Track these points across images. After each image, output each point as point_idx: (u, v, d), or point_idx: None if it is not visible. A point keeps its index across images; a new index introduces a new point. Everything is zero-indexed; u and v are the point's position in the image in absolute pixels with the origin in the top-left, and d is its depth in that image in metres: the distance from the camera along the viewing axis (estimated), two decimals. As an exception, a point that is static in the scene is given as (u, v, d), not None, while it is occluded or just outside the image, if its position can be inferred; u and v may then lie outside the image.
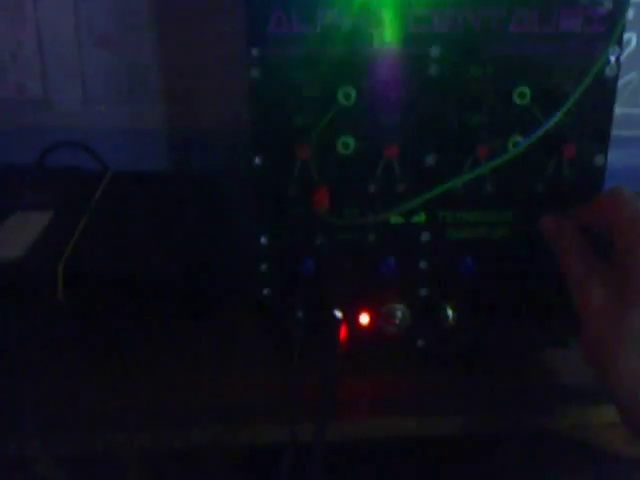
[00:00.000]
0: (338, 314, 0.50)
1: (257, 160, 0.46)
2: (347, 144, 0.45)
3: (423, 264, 0.49)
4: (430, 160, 0.46)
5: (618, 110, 0.65)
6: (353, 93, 0.44)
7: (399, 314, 0.50)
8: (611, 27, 0.44)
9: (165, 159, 0.64)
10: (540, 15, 0.44)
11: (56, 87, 0.64)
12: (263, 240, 0.48)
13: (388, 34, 0.44)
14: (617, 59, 0.45)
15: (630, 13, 0.61)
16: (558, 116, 0.43)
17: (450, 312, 0.50)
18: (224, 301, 0.56)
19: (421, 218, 0.48)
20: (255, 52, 0.44)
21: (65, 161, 0.64)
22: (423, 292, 0.50)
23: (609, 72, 0.45)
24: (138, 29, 0.62)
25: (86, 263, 0.53)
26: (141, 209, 0.60)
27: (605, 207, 0.43)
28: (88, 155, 0.64)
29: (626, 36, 0.62)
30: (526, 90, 0.45)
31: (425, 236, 0.49)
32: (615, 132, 0.67)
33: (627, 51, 0.63)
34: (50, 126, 0.64)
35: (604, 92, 0.46)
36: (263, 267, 0.49)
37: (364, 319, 0.50)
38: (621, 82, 0.63)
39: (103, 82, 0.64)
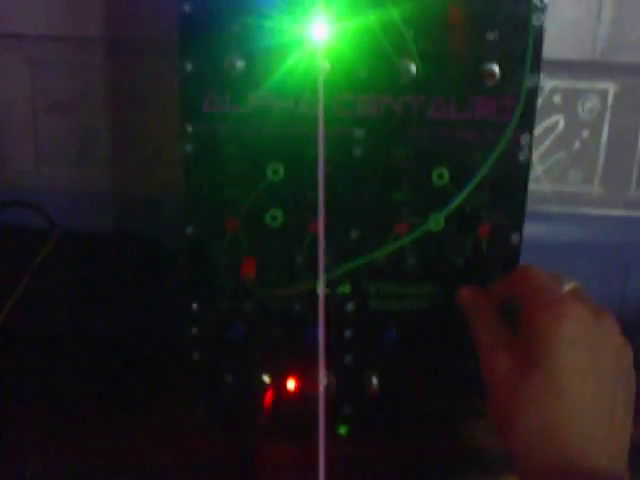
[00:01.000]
0: (266, 379, 0.51)
1: (189, 230, 0.48)
2: (275, 217, 0.48)
3: (348, 333, 0.51)
4: (354, 234, 0.49)
5: (548, 187, 0.69)
6: (281, 169, 0.47)
7: (325, 381, 0.52)
8: (521, 115, 0.47)
9: (112, 221, 0.66)
10: (457, 102, 0.47)
11: (10, 148, 0.66)
12: (194, 306, 0.50)
13: (315, 116, 0.46)
14: (529, 145, 0.48)
15: (558, 97, 0.65)
16: (465, 191, 0.46)
17: (374, 380, 0.51)
18: (157, 362, 0.58)
19: (346, 289, 0.50)
20: (189, 128, 0.47)
21: (16, 220, 0.65)
22: (348, 360, 0.52)
23: (522, 157, 0.48)
24: (91, 96, 0.64)
25: (21, 326, 0.54)
26: (84, 270, 0.62)
27: (515, 281, 0.46)
28: (38, 215, 0.66)
29: (554, 119, 0.66)
30: (444, 171, 0.48)
31: (350, 306, 0.51)
32: (546, 208, 0.70)
33: (555, 132, 0.66)
34: (2, 186, 0.66)
35: (518, 175, 0.48)
36: (194, 331, 0.51)
37: (291, 385, 0.52)
38: (551, 160, 0.67)
39: (55, 145, 0.66)
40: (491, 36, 0.46)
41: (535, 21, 0.46)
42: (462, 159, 0.48)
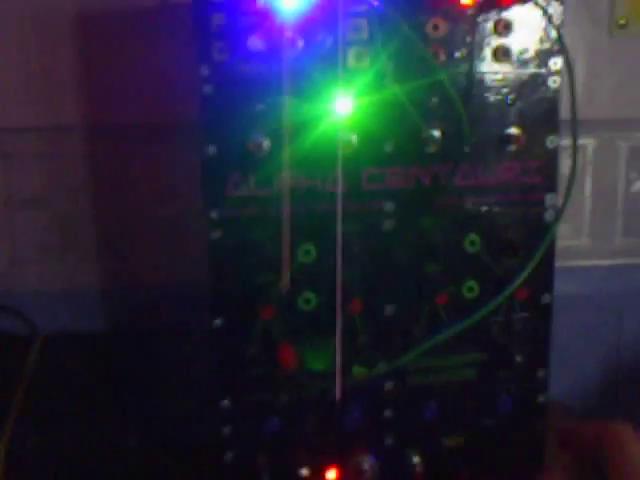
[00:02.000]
0: (303, 472, 0.48)
1: (217, 322, 0.46)
2: (308, 300, 0.45)
3: (388, 413, 0.49)
4: (389, 310, 0.47)
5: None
6: (313, 250, 0.45)
7: (366, 466, 0.49)
8: (546, 177, 0.48)
9: (100, 319, 0.62)
10: (482, 169, 0.47)
11: (-17, 250, 0.61)
12: (225, 403, 0.47)
13: (344, 193, 0.45)
14: (554, 205, 0.48)
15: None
16: (523, 275, 0.45)
17: (417, 459, 0.49)
18: (181, 469, 0.53)
19: (382, 369, 0.48)
20: (214, 214, 0.44)
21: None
22: (389, 441, 0.49)
23: (547, 217, 0.48)
24: (71, 188, 0.61)
25: (23, 446, 0.49)
26: (77, 376, 0.57)
27: (604, 442, 0.42)
28: (18, 319, 0.61)
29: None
30: (475, 238, 0.47)
31: (388, 385, 0.48)
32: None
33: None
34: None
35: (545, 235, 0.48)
36: (226, 430, 0.47)
37: (331, 475, 0.49)
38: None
39: (33, 242, 0.62)
40: (512, 102, 0.46)
41: (551, 84, 0.46)
42: (491, 224, 0.47)
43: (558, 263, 0.70)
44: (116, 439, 0.50)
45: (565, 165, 0.67)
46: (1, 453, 0.47)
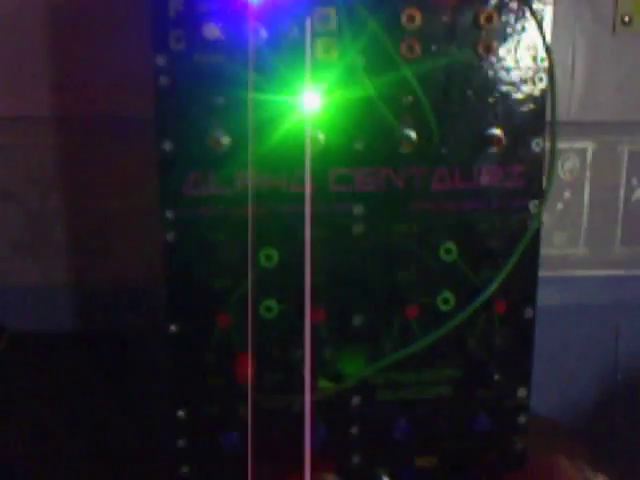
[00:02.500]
0: (266, 489, 0.45)
1: (173, 328, 0.43)
2: (270, 308, 0.43)
3: (355, 429, 0.46)
4: (357, 321, 0.44)
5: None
6: (275, 255, 0.42)
7: (331, 484, 0.46)
8: (531, 182, 0.44)
9: (69, 318, 0.60)
10: (461, 172, 0.43)
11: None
12: (180, 413, 0.44)
13: (310, 193, 0.42)
14: (539, 212, 0.45)
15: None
16: (496, 282, 0.42)
17: (386, 479, 0.46)
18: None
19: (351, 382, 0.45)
20: (169, 214, 0.42)
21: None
22: (356, 459, 0.46)
23: (531, 225, 0.45)
24: (41, 181, 0.58)
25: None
26: (42, 376, 0.55)
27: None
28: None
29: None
30: (452, 246, 0.44)
31: (355, 400, 0.45)
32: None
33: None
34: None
35: (529, 245, 0.45)
36: (181, 443, 0.44)
37: (293, 493, 0.46)
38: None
39: (3, 236, 0.59)
40: (494, 101, 0.43)
41: (538, 82, 0.43)
42: (470, 232, 0.44)
43: (553, 273, 0.67)
44: (70, 443, 0.48)
45: (563, 169, 0.64)
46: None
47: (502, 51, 0.43)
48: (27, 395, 0.53)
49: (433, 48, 0.42)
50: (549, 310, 0.66)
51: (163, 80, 0.40)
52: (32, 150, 0.58)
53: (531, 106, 0.43)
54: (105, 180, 0.59)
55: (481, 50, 0.42)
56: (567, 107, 0.63)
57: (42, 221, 0.60)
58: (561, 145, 0.64)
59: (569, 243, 0.66)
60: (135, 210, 0.59)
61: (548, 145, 0.43)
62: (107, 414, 0.51)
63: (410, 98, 0.42)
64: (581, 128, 0.64)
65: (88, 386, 0.53)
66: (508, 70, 0.43)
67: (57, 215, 0.60)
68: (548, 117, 0.44)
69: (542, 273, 0.68)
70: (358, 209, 0.43)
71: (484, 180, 0.44)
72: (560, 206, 0.65)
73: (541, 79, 0.43)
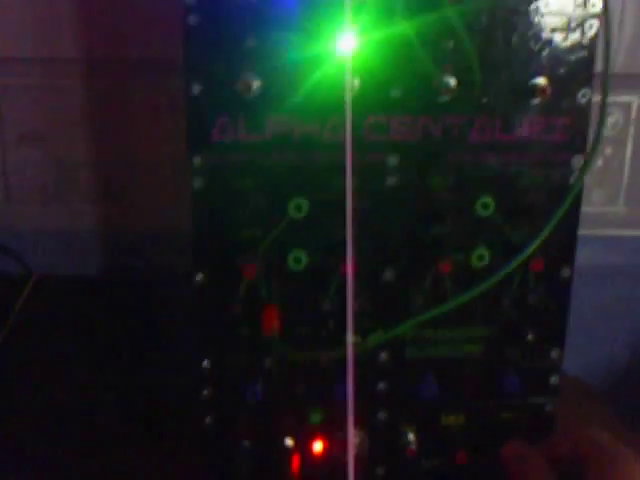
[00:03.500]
0: (289, 443, 0.45)
1: (198, 277, 0.42)
2: (298, 259, 0.41)
3: (381, 386, 0.45)
4: (388, 276, 0.43)
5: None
6: (305, 205, 0.41)
7: (356, 440, 0.45)
8: (575, 136, 0.42)
9: (94, 263, 0.59)
10: (502, 123, 0.41)
11: (-24, 185, 0.58)
12: (205, 363, 0.43)
13: (342, 143, 0.40)
14: (582, 168, 0.43)
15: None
16: (537, 242, 0.40)
17: (411, 437, 0.45)
18: (162, 427, 0.51)
19: (378, 338, 0.44)
20: (197, 161, 0.40)
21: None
22: (382, 416, 0.46)
23: (573, 182, 0.43)
24: (69, 125, 0.57)
25: (6, 386, 0.47)
26: (68, 319, 0.54)
27: (578, 442, 0.39)
28: (10, 258, 0.58)
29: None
30: (489, 200, 0.42)
31: (383, 356, 0.44)
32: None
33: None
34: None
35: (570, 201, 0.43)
36: (205, 393, 0.44)
37: (317, 447, 0.46)
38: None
39: (28, 180, 0.59)
40: (540, 48, 0.41)
41: (587, 29, 0.41)
42: (508, 186, 0.42)
43: (589, 231, 0.65)
44: (94, 387, 0.48)
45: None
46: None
47: (551, -5, 0.40)
48: (52, 338, 0.53)
49: (477, -10, 0.39)
50: (582, 270, 0.64)
51: (193, 19, 0.38)
52: (61, 93, 0.57)
53: (579, 55, 0.41)
54: (133, 125, 0.58)
55: (528, -7, 0.40)
56: (612, 58, 0.60)
57: (69, 165, 0.59)
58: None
59: (608, 201, 0.64)
60: (163, 156, 0.58)
61: (596, 99, 0.41)
62: (131, 358, 0.51)
63: (451, 43, 0.40)
64: (626, 81, 0.61)
65: (112, 330, 0.52)
66: (556, 16, 0.40)
67: (84, 159, 0.59)
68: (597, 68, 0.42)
69: (579, 231, 0.66)
70: (393, 159, 0.41)
71: (525, 132, 0.42)
72: (600, 162, 0.62)
73: (591, 26, 0.41)
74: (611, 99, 0.61)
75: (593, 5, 0.40)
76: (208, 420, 0.45)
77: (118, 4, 0.55)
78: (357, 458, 0.45)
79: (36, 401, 0.48)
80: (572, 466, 0.38)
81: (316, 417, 0.45)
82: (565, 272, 0.44)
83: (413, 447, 0.45)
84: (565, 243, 0.44)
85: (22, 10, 0.55)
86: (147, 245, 0.58)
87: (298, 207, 0.41)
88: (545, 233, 0.41)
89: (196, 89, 0.39)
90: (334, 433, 0.45)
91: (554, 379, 0.46)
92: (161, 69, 0.56)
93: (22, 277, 0.58)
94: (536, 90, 0.41)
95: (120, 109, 0.57)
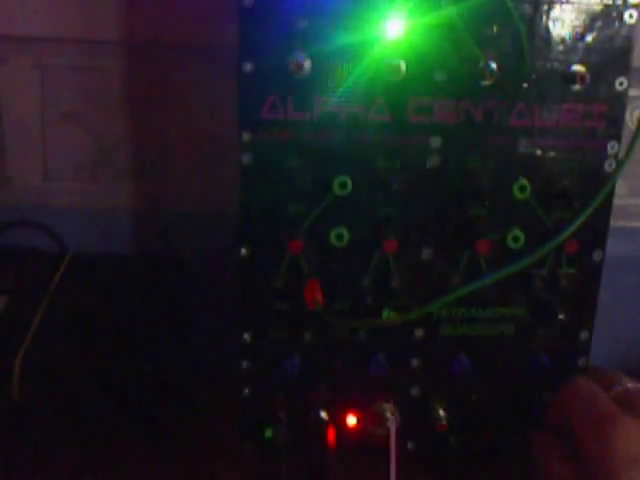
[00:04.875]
0: (323, 415, 0.46)
1: (243, 251, 0.43)
2: (341, 236, 0.43)
3: (415, 362, 0.46)
4: (427, 254, 0.44)
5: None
6: (349, 183, 0.42)
7: (389, 414, 0.47)
8: (611, 123, 0.43)
9: (131, 241, 0.60)
10: (540, 109, 0.43)
11: (16, 163, 0.59)
12: (246, 336, 0.45)
13: (387, 123, 0.42)
14: (616, 155, 0.44)
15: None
16: (573, 226, 0.41)
17: (442, 412, 0.47)
18: (200, 398, 0.52)
19: (413, 315, 0.45)
20: (246, 137, 0.42)
21: (22, 241, 0.59)
22: (414, 392, 0.47)
23: (607, 167, 0.44)
24: (107, 105, 0.59)
25: (45, 358, 0.48)
26: (104, 296, 0.56)
27: (564, 403, 0.43)
28: (47, 236, 0.60)
29: None
30: (526, 184, 0.43)
31: (419, 332, 0.46)
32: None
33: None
34: (7, 204, 0.60)
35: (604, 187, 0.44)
36: (245, 365, 0.45)
37: (351, 420, 0.47)
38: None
39: (67, 158, 0.60)
40: (580, 36, 0.42)
41: (627, 18, 0.42)
42: (544, 170, 0.44)
43: (612, 222, 0.66)
44: (132, 362, 0.49)
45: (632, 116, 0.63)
46: (16, 368, 0.46)
47: (592, -16, 0.41)
48: (86, 315, 0.54)
49: (523, -22, 0.41)
50: (609, 260, 0.66)
51: (246, 1, 0.40)
52: (99, 74, 0.58)
53: (618, 44, 0.42)
54: (169, 106, 0.59)
55: (571, -18, 0.41)
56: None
57: (106, 145, 0.60)
58: (632, 92, 0.62)
59: (630, 193, 0.65)
60: (197, 137, 0.59)
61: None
62: (166, 335, 0.52)
63: (495, 28, 0.41)
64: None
65: (147, 308, 0.53)
66: (596, 4, 0.42)
67: (121, 139, 0.60)
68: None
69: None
70: (435, 141, 0.43)
71: (563, 118, 0.43)
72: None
73: (631, 16, 0.42)
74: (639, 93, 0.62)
75: (633, -5, 0.42)
76: (246, 392, 0.46)
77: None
78: (389, 432, 0.47)
79: (73, 370, 0.49)
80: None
81: (351, 391, 0.46)
82: (597, 255, 0.46)
83: (444, 422, 0.47)
84: (598, 227, 0.45)
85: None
86: (182, 224, 0.59)
87: (342, 185, 0.42)
88: (582, 218, 0.42)
89: (248, 67, 0.40)
90: (369, 407, 0.46)
91: (582, 361, 0.47)
92: (200, 52, 0.57)
93: (58, 254, 0.59)
94: (575, 77, 0.42)
95: (158, 91, 0.58)
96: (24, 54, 0.58)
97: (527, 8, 0.42)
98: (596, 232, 0.45)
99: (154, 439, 0.49)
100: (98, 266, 0.59)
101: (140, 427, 0.49)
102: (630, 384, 0.43)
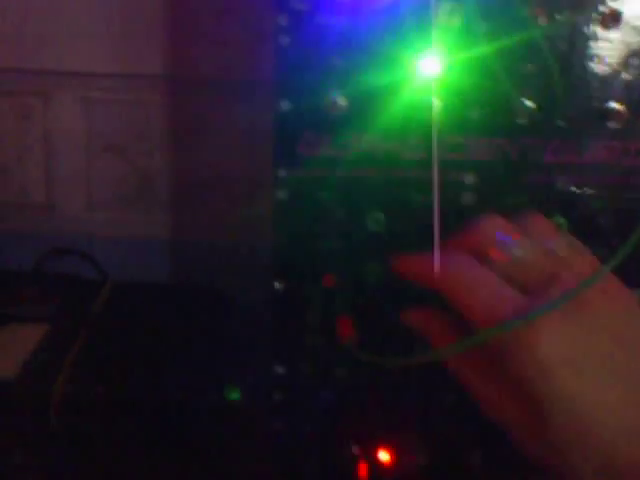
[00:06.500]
0: (356, 451, 0.46)
1: (277, 285, 0.44)
2: (375, 271, 0.43)
3: (449, 397, 0.46)
4: (461, 290, 0.44)
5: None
6: (383, 219, 0.42)
7: (422, 451, 0.46)
8: (648, 160, 0.43)
9: (168, 271, 0.62)
10: (576, 146, 0.43)
11: (61, 192, 0.61)
12: (279, 369, 0.45)
13: (422, 160, 0.42)
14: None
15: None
16: (609, 267, 0.41)
17: (476, 452, 0.46)
18: (229, 429, 0.52)
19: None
20: (282, 173, 0.42)
21: (64, 268, 0.61)
22: (449, 428, 0.47)
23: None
24: (149, 138, 0.60)
25: (82, 387, 0.49)
26: (142, 324, 0.57)
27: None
28: (88, 263, 0.61)
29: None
30: (562, 221, 0.43)
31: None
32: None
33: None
34: (51, 231, 0.61)
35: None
36: (276, 397, 0.46)
37: (384, 456, 0.47)
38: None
39: (109, 189, 0.61)
40: (616, 73, 0.42)
41: (665, 56, 0.42)
42: (581, 208, 0.43)
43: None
44: (163, 393, 0.49)
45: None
46: (55, 396, 0.47)
47: (628, 22, 0.41)
48: (123, 344, 0.55)
49: (558, 17, 0.41)
50: None
51: (283, 39, 0.41)
52: (141, 107, 0.60)
53: (653, 81, 0.42)
54: (207, 140, 0.60)
55: (607, 20, 0.41)
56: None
57: (147, 176, 0.62)
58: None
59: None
60: (233, 171, 0.60)
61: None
62: (201, 364, 0.53)
63: (530, 67, 0.41)
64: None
65: (182, 339, 0.54)
66: (632, 41, 0.42)
67: (161, 171, 0.61)
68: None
69: None
70: (470, 178, 0.43)
71: (600, 156, 0.43)
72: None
73: (668, 53, 0.42)
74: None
75: (671, 33, 0.41)
76: (277, 424, 0.46)
77: (200, 27, 0.58)
78: (422, 469, 0.46)
79: (115, 396, 0.50)
80: None
81: (383, 426, 0.46)
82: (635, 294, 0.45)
83: (477, 462, 0.46)
84: (636, 266, 0.44)
85: (109, 28, 0.58)
86: (218, 256, 0.60)
87: (376, 221, 0.42)
88: (619, 257, 0.42)
89: (284, 105, 0.41)
90: (401, 442, 0.46)
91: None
92: (238, 87, 0.58)
93: (99, 282, 0.60)
94: (611, 114, 0.42)
95: (197, 124, 0.60)
96: (71, 88, 0.60)
97: (562, 45, 0.41)
98: (634, 271, 0.44)
99: (186, 468, 0.50)
100: (137, 294, 0.60)
101: (172, 457, 0.49)
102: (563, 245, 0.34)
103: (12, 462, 0.48)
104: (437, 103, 0.41)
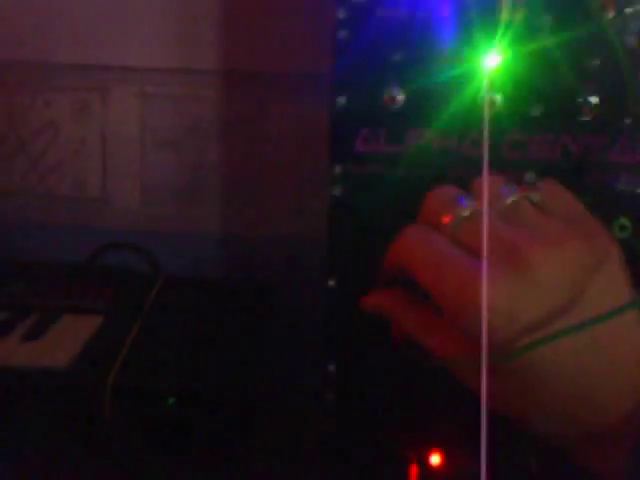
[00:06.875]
0: (407, 453, 0.45)
1: (331, 282, 0.43)
2: (430, 270, 0.42)
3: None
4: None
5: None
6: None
7: (473, 455, 0.45)
8: None
9: (220, 265, 0.62)
10: (643, 145, 0.41)
11: (115, 186, 0.62)
12: (331, 367, 0.45)
13: (480, 158, 0.41)
14: None
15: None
16: None
17: (533, 459, 0.45)
18: (278, 426, 0.52)
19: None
20: (338, 169, 0.42)
21: (118, 262, 0.61)
22: (503, 433, 0.45)
23: None
24: (202, 132, 0.60)
25: (136, 378, 0.49)
26: (195, 318, 0.57)
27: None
28: (141, 257, 0.62)
29: None
30: (627, 222, 0.42)
31: (509, 372, 0.44)
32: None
33: None
34: (105, 225, 0.62)
35: None
36: (329, 396, 0.45)
37: (435, 460, 0.46)
38: None
39: (163, 184, 0.62)
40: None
41: None
42: (646, 209, 0.42)
43: None
44: (214, 385, 0.49)
45: None
46: (108, 387, 0.47)
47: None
48: (175, 337, 0.55)
49: (628, 11, 0.39)
50: None
51: (343, 34, 0.40)
52: (196, 102, 0.60)
53: None
54: (261, 134, 0.60)
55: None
56: None
57: (199, 171, 0.62)
58: None
59: None
60: (287, 166, 0.60)
61: None
62: (247, 360, 0.53)
63: (597, 62, 0.40)
64: None
65: (232, 332, 0.54)
66: None
67: (214, 166, 0.61)
68: None
69: None
70: (531, 177, 0.41)
71: (668, 155, 0.41)
72: None
73: None
74: None
75: None
76: (329, 423, 0.46)
77: (257, 20, 0.58)
78: (474, 473, 0.45)
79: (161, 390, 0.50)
80: None
81: (435, 428, 0.45)
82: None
83: (535, 469, 0.45)
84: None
85: (165, 23, 0.59)
86: (270, 250, 0.60)
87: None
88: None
89: (342, 100, 0.41)
90: (453, 446, 0.45)
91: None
92: (294, 82, 0.58)
93: (151, 276, 0.61)
94: (682, 112, 0.40)
95: (251, 119, 0.59)
96: (127, 83, 0.60)
97: (632, 40, 0.40)
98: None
99: (234, 461, 0.50)
100: (189, 289, 0.60)
101: (221, 447, 0.49)
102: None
103: (65, 451, 0.48)
104: (498, 99, 0.40)
